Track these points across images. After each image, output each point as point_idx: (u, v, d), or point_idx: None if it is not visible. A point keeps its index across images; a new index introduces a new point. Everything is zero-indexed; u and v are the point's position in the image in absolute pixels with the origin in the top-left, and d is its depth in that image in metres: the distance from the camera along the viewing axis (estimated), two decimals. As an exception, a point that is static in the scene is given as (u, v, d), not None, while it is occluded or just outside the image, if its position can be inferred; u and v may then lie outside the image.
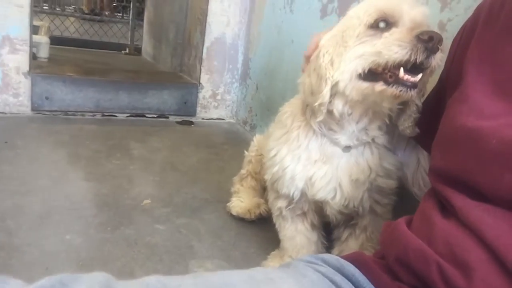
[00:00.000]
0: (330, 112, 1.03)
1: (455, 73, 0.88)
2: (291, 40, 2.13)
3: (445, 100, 0.92)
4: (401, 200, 1.19)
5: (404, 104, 1.03)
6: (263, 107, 2.44)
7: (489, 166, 0.65)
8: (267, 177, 1.23)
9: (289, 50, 2.15)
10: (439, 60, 0.88)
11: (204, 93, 2.75)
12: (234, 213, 1.54)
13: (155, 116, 2.68)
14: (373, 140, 1.09)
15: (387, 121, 1.07)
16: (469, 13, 1.21)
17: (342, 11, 1.76)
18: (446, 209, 0.72)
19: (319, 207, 1.20)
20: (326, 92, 0.97)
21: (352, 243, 1.22)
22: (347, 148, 1.08)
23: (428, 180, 1.10)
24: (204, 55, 2.68)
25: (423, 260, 0.64)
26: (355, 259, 0.73)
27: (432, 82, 1.05)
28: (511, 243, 0.58)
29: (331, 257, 0.74)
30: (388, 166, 1.10)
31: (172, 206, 1.60)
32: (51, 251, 1.24)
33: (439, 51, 0.87)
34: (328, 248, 1.29)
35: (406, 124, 1.04)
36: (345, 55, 0.95)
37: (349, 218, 1.21)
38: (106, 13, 6.98)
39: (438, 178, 0.77)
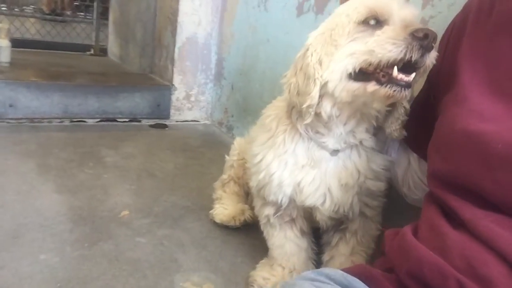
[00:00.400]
0: (317, 115, 0.99)
1: (447, 71, 0.85)
2: (267, 39, 2.09)
3: (436, 100, 0.90)
4: (389, 201, 1.17)
5: (392, 106, 1.01)
6: (239, 108, 2.39)
7: (495, 172, 0.63)
8: (253, 183, 1.18)
9: (264, 49, 2.11)
10: (433, 59, 0.85)
11: (178, 95, 2.68)
12: (218, 221, 1.49)
13: (127, 120, 2.59)
14: (360, 142, 1.06)
15: (375, 124, 1.05)
16: (453, 10, 1.20)
17: (319, 9, 1.73)
18: (452, 217, 0.70)
19: (308, 213, 1.16)
20: (315, 93, 0.94)
21: (342, 247, 1.20)
22: (335, 152, 1.05)
23: (418, 181, 1.09)
24: (176, 56, 2.61)
25: (440, 275, 0.61)
26: (360, 273, 0.70)
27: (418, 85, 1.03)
28: None
29: (336, 273, 0.70)
30: (377, 168, 1.08)
31: (152, 216, 1.53)
32: (26, 273, 1.15)
33: (433, 49, 0.84)
34: (318, 254, 1.26)
35: (394, 127, 1.02)
36: (336, 54, 0.91)
37: (339, 222, 1.18)
38: (68, 13, 6.73)
39: (439, 183, 0.74)
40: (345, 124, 1.02)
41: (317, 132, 1.04)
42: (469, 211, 0.65)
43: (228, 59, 2.51)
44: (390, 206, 1.17)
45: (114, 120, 2.55)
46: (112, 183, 1.76)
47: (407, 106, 1.01)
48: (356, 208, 1.10)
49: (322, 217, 1.11)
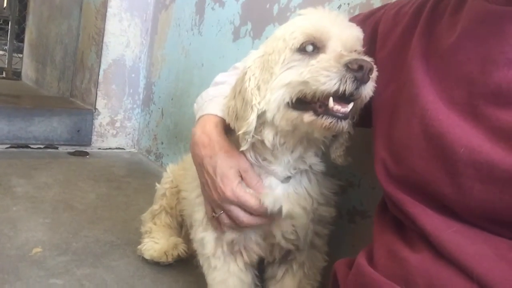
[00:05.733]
0: (262, 143, 0.93)
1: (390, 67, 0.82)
2: (201, 63, 2.00)
3: None
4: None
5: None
6: (170, 135, 2.25)
7: (457, 178, 0.60)
8: (198, 215, 1.06)
9: (199, 73, 2.02)
10: (370, 90, 0.81)
11: (101, 120, 2.48)
12: (147, 257, 1.33)
13: (41, 146, 2.33)
14: (310, 167, 0.99)
15: (323, 148, 0.99)
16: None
17: (256, 33, 1.68)
18: (410, 236, 0.65)
19: (266, 234, 1.04)
20: (252, 119, 0.87)
21: (289, 281, 1.11)
22: (286, 179, 0.97)
23: None
24: (100, 78, 2.43)
25: None
26: None
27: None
28: (501, 274, 0.52)
29: None
30: (327, 193, 1.03)
31: (70, 253, 1.33)
32: None
33: (370, 80, 0.80)
34: (261, 289, 1.15)
35: (338, 153, 0.98)
36: (271, 83, 0.85)
37: (287, 253, 1.09)
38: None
39: (396, 185, 0.70)
40: (292, 152, 0.95)
41: (265, 159, 0.96)
42: (429, 221, 0.61)
43: (158, 83, 2.38)
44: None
45: (27, 146, 2.28)
46: (22, 216, 1.52)
47: (352, 131, 0.96)
48: (308, 237, 1.02)
49: (284, 233, 0.99)
